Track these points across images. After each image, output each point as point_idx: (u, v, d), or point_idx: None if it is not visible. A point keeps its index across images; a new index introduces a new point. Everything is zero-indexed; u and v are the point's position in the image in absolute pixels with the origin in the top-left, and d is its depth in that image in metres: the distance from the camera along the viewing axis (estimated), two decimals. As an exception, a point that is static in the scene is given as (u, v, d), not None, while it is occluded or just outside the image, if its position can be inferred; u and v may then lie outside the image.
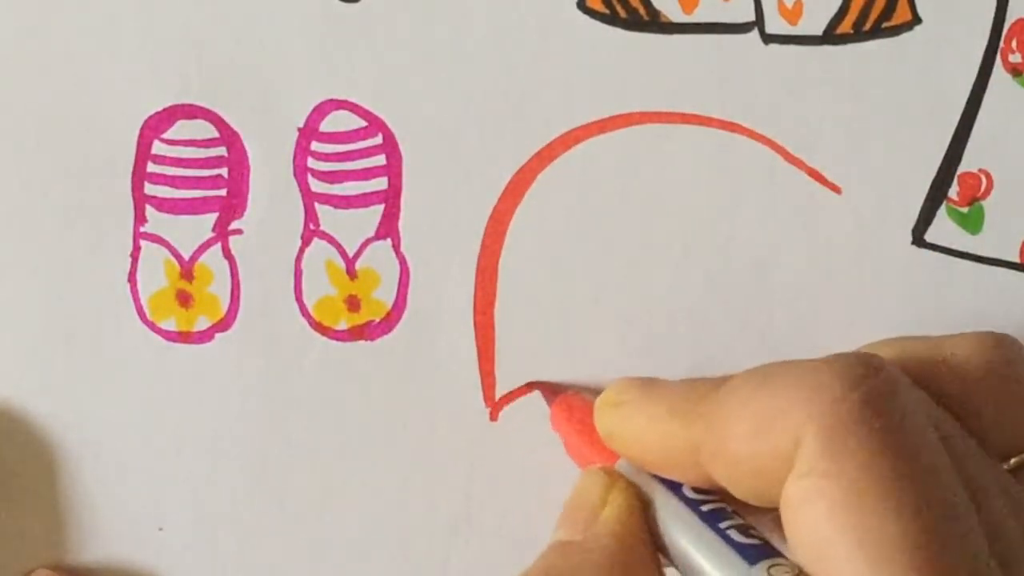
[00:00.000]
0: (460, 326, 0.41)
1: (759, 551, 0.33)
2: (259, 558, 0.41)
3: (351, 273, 0.41)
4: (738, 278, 0.41)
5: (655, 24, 0.41)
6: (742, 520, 0.35)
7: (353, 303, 0.41)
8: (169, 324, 0.41)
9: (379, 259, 0.41)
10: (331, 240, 0.41)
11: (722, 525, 0.34)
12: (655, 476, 0.36)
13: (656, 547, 0.36)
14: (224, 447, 0.41)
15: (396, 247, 0.41)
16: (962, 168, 0.41)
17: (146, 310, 0.41)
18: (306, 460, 0.41)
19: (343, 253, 0.41)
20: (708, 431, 0.34)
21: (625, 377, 0.38)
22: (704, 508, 0.35)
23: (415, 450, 0.41)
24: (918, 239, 0.41)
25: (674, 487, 0.36)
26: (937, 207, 0.41)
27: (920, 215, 0.41)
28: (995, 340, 0.36)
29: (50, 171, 0.40)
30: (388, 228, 0.41)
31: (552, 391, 0.41)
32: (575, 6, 0.41)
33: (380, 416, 0.41)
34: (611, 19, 0.41)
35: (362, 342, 0.41)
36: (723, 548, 0.34)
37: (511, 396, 0.41)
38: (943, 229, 0.41)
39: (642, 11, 0.41)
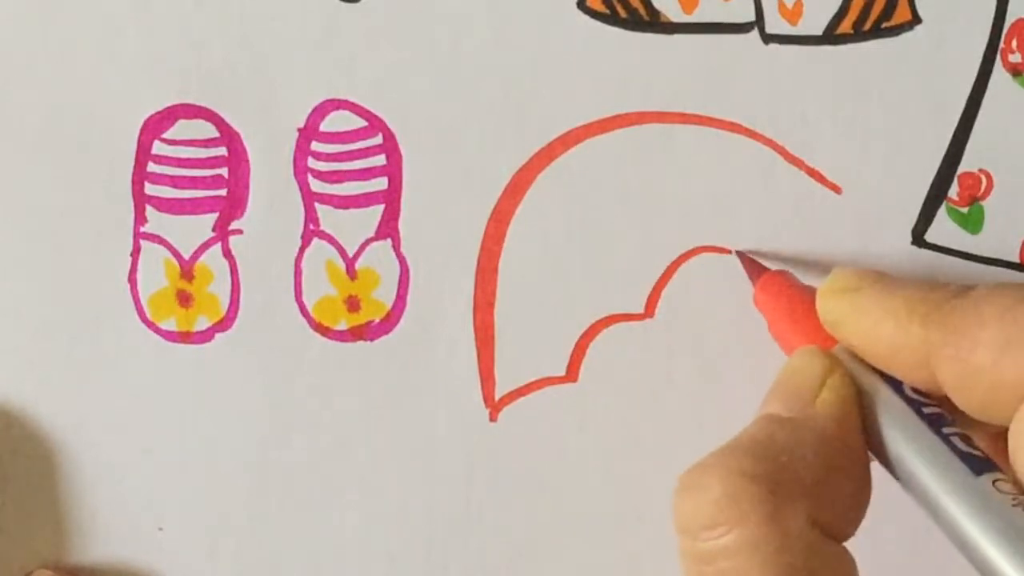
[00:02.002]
0: (460, 326, 0.41)
1: (983, 463, 0.32)
2: (259, 558, 0.41)
3: (351, 273, 0.41)
4: (738, 278, 0.41)
5: (655, 24, 0.41)
6: (962, 430, 0.34)
7: (353, 303, 0.41)
8: (169, 324, 0.41)
9: (379, 259, 0.41)
10: (331, 240, 0.41)
11: (945, 430, 0.33)
12: (875, 370, 0.35)
13: (868, 444, 0.35)
14: (224, 447, 0.41)
15: (396, 247, 0.41)
16: (962, 168, 0.41)
17: (146, 310, 0.41)
18: (306, 460, 0.41)
19: (343, 253, 0.41)
20: (950, 336, 0.33)
21: (851, 267, 0.37)
22: (925, 410, 0.34)
23: (415, 450, 0.41)
24: (918, 239, 0.41)
25: (895, 384, 0.35)
26: (937, 207, 0.41)
27: (920, 215, 0.41)
28: None
29: (50, 171, 0.40)
30: (388, 228, 0.41)
31: (755, 266, 0.40)
32: (575, 6, 0.41)
33: (380, 416, 0.41)
34: (611, 19, 0.41)
35: (362, 342, 0.41)
36: (946, 454, 0.33)
37: (511, 396, 0.41)
38: (943, 229, 0.41)
39: (642, 11, 0.41)
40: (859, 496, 0.34)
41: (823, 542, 0.33)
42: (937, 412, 0.34)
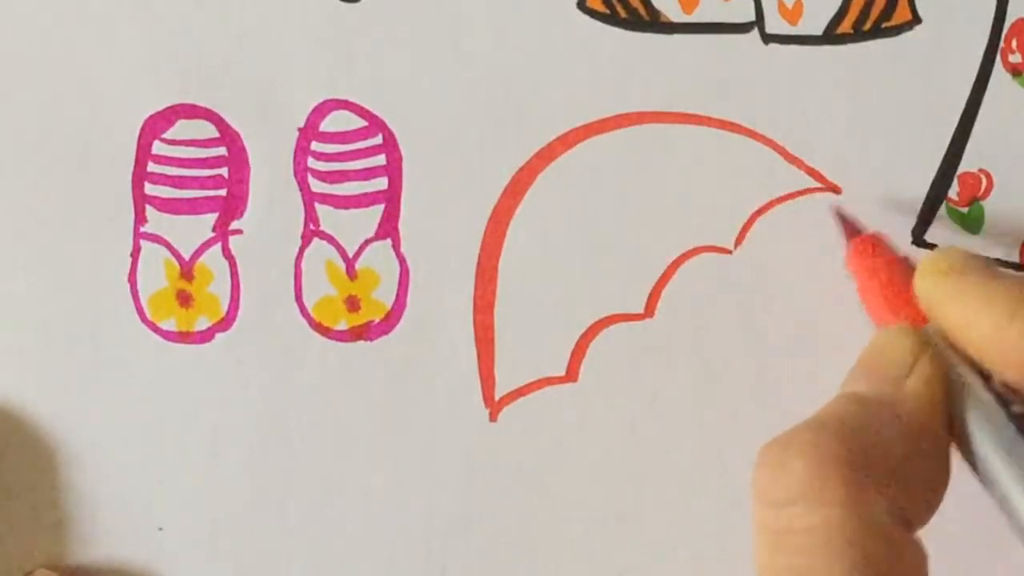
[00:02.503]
0: (460, 326, 0.41)
1: None
2: (259, 558, 0.41)
3: (351, 273, 0.41)
4: (738, 278, 0.41)
5: (655, 24, 0.41)
6: None
7: (353, 303, 0.41)
8: (169, 324, 0.41)
9: (379, 259, 0.41)
10: (331, 240, 0.41)
11: None
12: (967, 358, 0.34)
13: (950, 432, 0.34)
14: (224, 447, 0.41)
15: (396, 247, 0.41)
16: (962, 168, 0.41)
17: (146, 310, 0.41)
18: (306, 460, 0.41)
19: (343, 253, 0.41)
20: None
21: (953, 247, 0.36)
22: (1014, 408, 0.33)
23: (415, 450, 0.41)
24: (918, 239, 0.41)
25: (985, 376, 0.34)
26: (937, 207, 0.41)
27: (920, 215, 0.41)
28: None
29: (50, 171, 0.40)
30: (388, 228, 0.41)
31: (851, 226, 0.39)
32: (575, 6, 0.41)
33: (380, 416, 0.41)
34: (611, 19, 0.41)
35: (362, 342, 0.41)
36: None
37: (511, 396, 0.41)
38: (943, 229, 0.41)
39: (642, 11, 0.41)
40: (938, 485, 0.33)
41: (899, 532, 0.32)
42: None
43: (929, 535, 0.33)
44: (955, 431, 0.34)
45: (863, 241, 0.39)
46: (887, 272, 0.37)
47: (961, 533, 0.40)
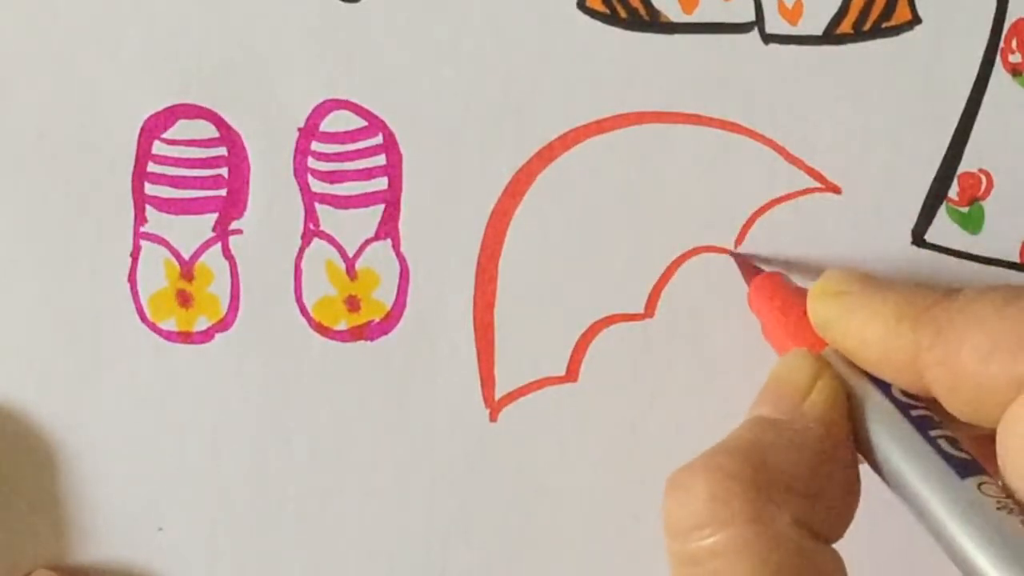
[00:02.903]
0: (460, 326, 0.41)
1: (969, 466, 0.32)
2: (259, 558, 0.41)
3: (351, 273, 0.41)
4: (738, 278, 0.41)
5: (655, 24, 0.41)
6: (949, 432, 0.34)
7: (353, 303, 0.41)
8: (169, 324, 0.41)
9: (379, 259, 0.41)
10: (331, 240, 0.41)
11: (932, 433, 0.33)
12: (864, 373, 0.35)
13: (856, 446, 0.35)
14: (224, 447, 0.41)
15: (396, 247, 0.41)
16: (962, 168, 0.41)
17: (146, 310, 0.41)
18: (306, 460, 0.41)
19: (343, 253, 0.41)
20: (938, 338, 0.33)
21: (841, 269, 0.37)
22: (913, 413, 0.34)
23: (415, 450, 0.41)
24: (918, 239, 0.41)
25: (883, 387, 0.35)
26: (937, 207, 0.41)
27: (920, 215, 0.41)
28: None
29: (50, 171, 0.40)
30: (388, 228, 0.41)
31: (750, 268, 0.40)
32: (575, 6, 0.41)
33: (380, 416, 0.41)
34: (611, 19, 0.41)
35: (362, 342, 0.41)
36: (932, 457, 0.33)
37: (511, 396, 0.41)
38: (943, 229, 0.41)
39: (642, 11, 0.41)
40: (848, 498, 0.34)
41: (811, 543, 0.32)
42: (925, 415, 0.34)
43: (848, 544, 0.34)
44: (861, 444, 0.34)
45: (761, 280, 0.39)
46: (785, 306, 0.38)
47: (879, 540, 0.40)
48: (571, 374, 0.41)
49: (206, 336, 0.41)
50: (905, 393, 0.35)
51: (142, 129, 0.40)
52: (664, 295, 0.41)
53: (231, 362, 0.41)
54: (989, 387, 0.32)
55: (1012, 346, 0.32)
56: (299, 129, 0.41)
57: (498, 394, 0.41)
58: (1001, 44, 0.41)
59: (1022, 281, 0.42)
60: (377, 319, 0.41)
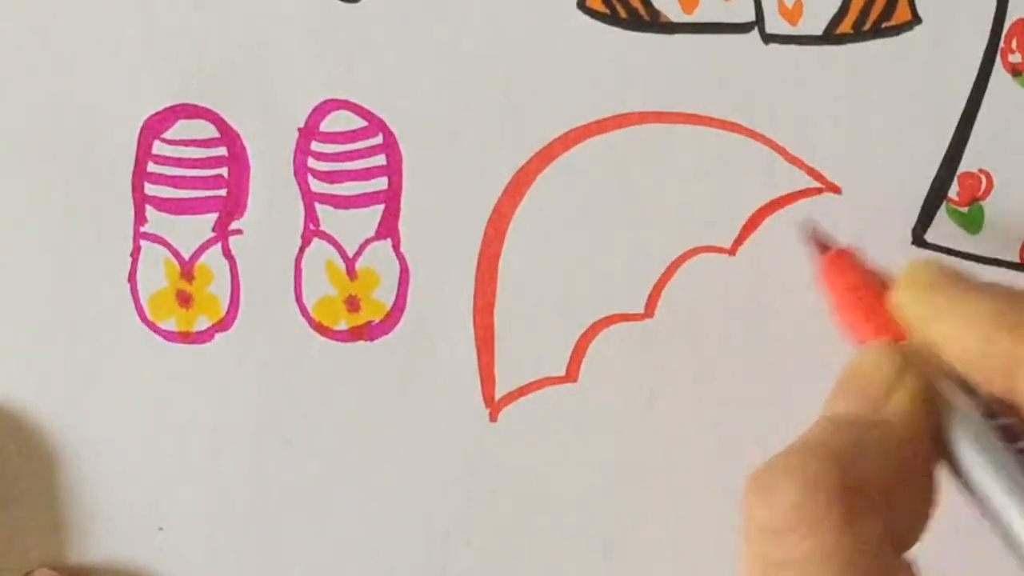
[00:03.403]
0: (460, 326, 0.41)
1: None
2: (259, 558, 0.41)
3: (351, 273, 0.41)
4: (738, 278, 0.41)
5: (655, 24, 0.41)
6: None
7: (353, 303, 0.41)
8: (169, 324, 0.41)
9: (379, 259, 0.41)
10: (331, 240, 0.41)
11: (1020, 445, 0.32)
12: (951, 372, 0.34)
13: (937, 448, 0.33)
14: (224, 447, 0.41)
15: (396, 247, 0.41)
16: (962, 168, 0.41)
17: (146, 310, 0.41)
18: (305, 460, 0.41)
19: (343, 253, 0.41)
20: None
21: (927, 259, 0.36)
22: (1001, 421, 0.33)
23: (415, 450, 0.41)
24: (918, 239, 0.41)
25: (970, 391, 0.33)
26: (937, 207, 0.41)
27: (920, 215, 0.41)
28: None
29: (50, 171, 0.40)
30: (388, 228, 0.41)
31: (821, 242, 0.39)
32: (575, 6, 0.41)
33: (380, 416, 0.41)
34: (611, 19, 0.41)
35: (362, 342, 0.41)
36: (1018, 469, 0.32)
37: (511, 396, 0.41)
38: (943, 229, 0.41)
39: (642, 11, 0.41)
40: (928, 504, 0.33)
41: (893, 552, 0.31)
42: (1011, 423, 0.33)
43: (921, 554, 0.33)
44: (942, 448, 0.33)
45: (837, 255, 0.38)
46: (863, 287, 0.37)
47: (953, 552, 0.39)
48: (571, 374, 0.41)
49: (206, 336, 0.41)
50: (991, 397, 0.33)
51: (142, 129, 0.41)
52: (664, 295, 0.41)
53: (231, 362, 0.41)
54: None
55: None
56: (299, 129, 0.41)
57: (498, 394, 0.41)
58: (1001, 44, 0.41)
59: (1021, 280, 0.42)
60: (377, 319, 0.41)
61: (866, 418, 0.33)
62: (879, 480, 0.32)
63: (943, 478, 0.33)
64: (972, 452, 0.33)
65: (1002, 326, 0.33)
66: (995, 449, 0.32)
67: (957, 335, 0.33)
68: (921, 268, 0.35)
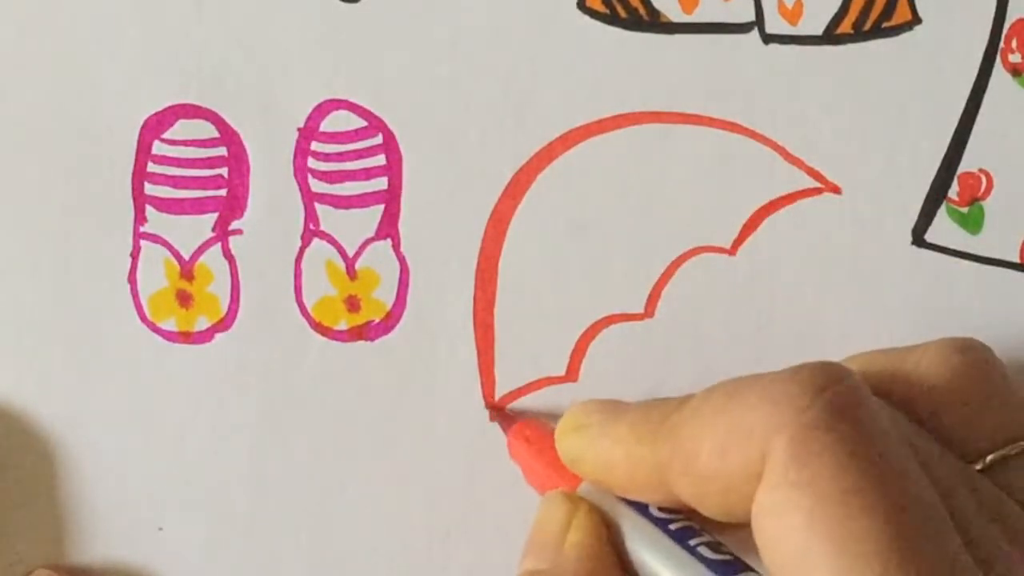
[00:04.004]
0: (460, 326, 0.41)
1: (731, 567, 0.33)
2: (259, 558, 0.41)
3: (351, 273, 0.41)
4: (738, 278, 0.41)
5: (655, 24, 0.41)
6: (711, 537, 0.34)
7: (353, 303, 0.41)
8: (169, 324, 0.41)
9: (379, 259, 0.41)
10: (331, 240, 0.41)
11: (692, 542, 0.34)
12: (621, 498, 0.36)
13: (624, 571, 0.35)
14: (224, 447, 0.41)
15: (396, 247, 0.41)
16: (962, 168, 0.41)
17: (146, 310, 0.41)
18: (305, 460, 0.41)
19: (343, 253, 0.41)
20: (674, 451, 0.33)
21: (584, 401, 0.38)
22: (672, 527, 0.35)
23: (414, 450, 0.41)
24: (918, 239, 0.41)
25: (640, 508, 0.35)
26: (937, 207, 0.41)
27: (920, 215, 0.41)
28: (959, 345, 0.36)
29: (50, 171, 0.40)
30: (388, 228, 0.41)
31: (508, 420, 0.41)
32: (575, 6, 0.41)
33: (380, 416, 0.41)
34: (611, 19, 0.41)
35: (362, 342, 0.41)
36: (695, 565, 0.33)
37: (511, 396, 0.41)
38: (943, 229, 0.41)
39: (642, 11, 0.41)
40: None
41: None
42: (686, 526, 0.35)
43: None
44: (630, 569, 0.35)
45: (518, 428, 0.40)
46: (546, 451, 0.39)
47: None
48: (571, 374, 0.41)
49: (206, 336, 0.41)
50: (663, 509, 0.35)
51: (142, 129, 0.40)
52: (664, 295, 0.41)
53: (231, 362, 0.41)
54: (731, 484, 0.32)
55: (741, 437, 0.32)
56: (299, 129, 0.41)
57: (498, 394, 0.41)
58: (1001, 44, 0.41)
59: (1021, 280, 0.42)
60: (377, 319, 0.41)
61: (547, 568, 0.35)
62: None
63: None
64: (651, 563, 0.34)
65: (640, 440, 0.35)
66: (669, 553, 0.34)
67: (608, 462, 0.35)
68: (572, 411, 0.37)
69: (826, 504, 0.30)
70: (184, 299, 0.41)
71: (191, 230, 0.41)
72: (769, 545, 0.31)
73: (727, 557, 0.34)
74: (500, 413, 0.41)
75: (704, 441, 0.33)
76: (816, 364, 0.33)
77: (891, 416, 0.33)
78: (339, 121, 0.41)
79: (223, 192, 0.41)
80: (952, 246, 0.41)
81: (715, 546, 0.34)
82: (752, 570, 0.33)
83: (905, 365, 0.35)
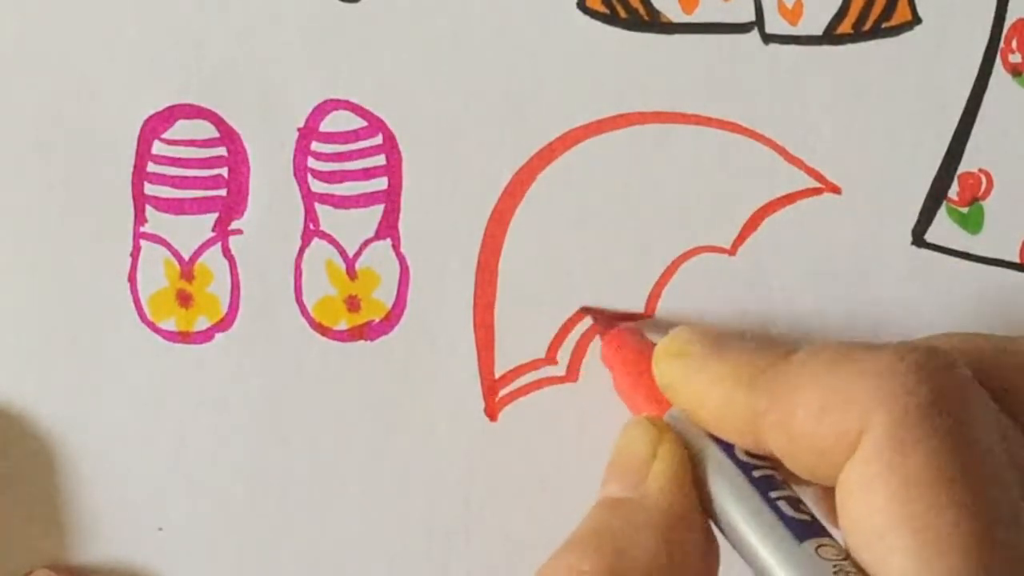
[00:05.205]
0: (460, 326, 0.41)
1: (808, 528, 0.33)
2: (259, 558, 0.41)
3: (351, 273, 0.41)
4: (738, 278, 0.41)
5: (655, 24, 0.41)
6: (792, 492, 0.34)
7: (353, 303, 0.41)
8: (169, 324, 0.41)
9: (379, 259, 0.41)
10: (331, 240, 0.41)
11: (772, 495, 0.33)
12: (708, 434, 0.35)
13: (702, 506, 0.35)
14: (224, 447, 0.41)
15: (396, 247, 0.41)
16: (962, 168, 0.41)
17: (146, 310, 0.41)
18: (305, 460, 0.41)
19: (343, 253, 0.41)
20: (772, 402, 0.33)
21: (687, 327, 0.37)
22: (756, 473, 0.34)
23: (414, 451, 0.41)
24: (918, 239, 0.41)
25: (727, 448, 0.35)
26: (937, 207, 0.41)
27: (920, 215, 0.41)
28: None
29: (50, 171, 0.40)
30: (388, 228, 0.41)
31: (605, 323, 0.40)
32: (575, 6, 0.41)
33: (380, 416, 0.41)
34: (611, 19, 0.41)
35: (362, 342, 0.41)
36: (771, 519, 0.33)
37: (511, 396, 0.41)
38: (943, 229, 0.41)
39: (642, 11, 0.41)
40: (705, 565, 0.35)
41: None
42: (768, 475, 0.34)
43: None
44: (708, 507, 0.35)
45: (614, 335, 0.40)
46: (639, 363, 0.38)
47: None
48: (571, 374, 0.41)
49: (206, 336, 0.41)
50: (749, 454, 0.35)
51: (142, 129, 0.40)
52: (664, 295, 0.41)
53: (231, 362, 0.41)
54: (824, 447, 0.32)
55: (844, 403, 0.32)
56: (299, 129, 0.41)
57: (498, 394, 0.41)
58: (1001, 44, 0.41)
59: (1021, 280, 0.42)
60: (377, 319, 0.41)
61: (630, 496, 0.35)
62: (646, 557, 0.33)
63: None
64: (731, 507, 0.34)
65: (740, 383, 0.34)
66: (749, 502, 0.34)
67: (704, 397, 0.35)
68: (675, 335, 0.37)
69: (916, 490, 0.30)
70: (184, 299, 0.41)
71: (191, 230, 0.41)
72: (851, 517, 0.31)
73: (806, 517, 0.33)
74: (596, 314, 0.40)
75: (803, 399, 0.32)
76: (928, 347, 0.32)
77: (992, 412, 0.33)
78: (339, 121, 0.41)
79: (223, 192, 0.41)
80: (952, 246, 0.41)
81: (795, 503, 0.33)
82: (827, 534, 0.33)
83: (1008, 355, 0.35)
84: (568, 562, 0.33)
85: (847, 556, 0.32)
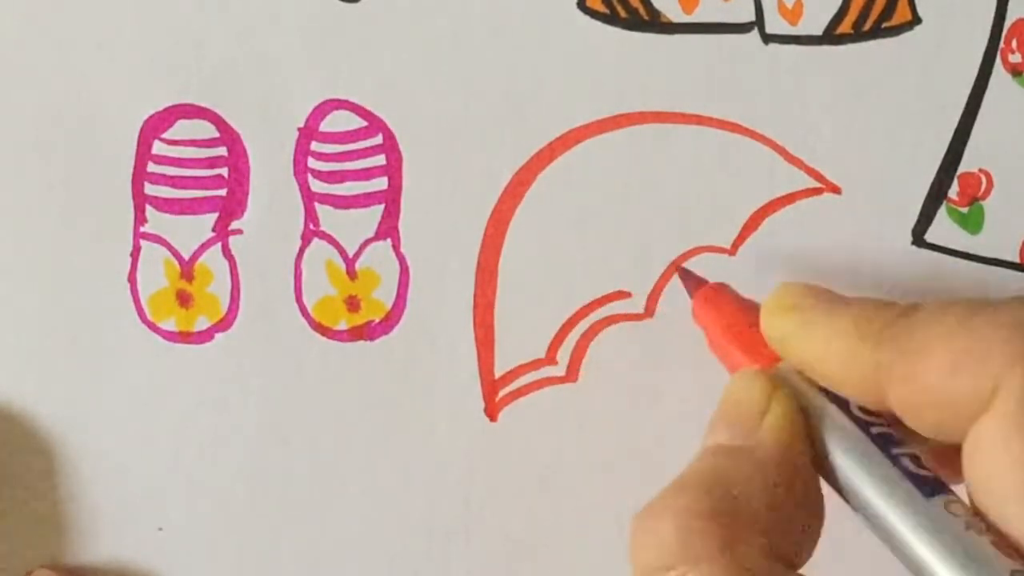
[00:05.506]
0: (460, 326, 0.41)
1: (935, 484, 0.32)
2: (259, 558, 0.41)
3: (351, 273, 0.41)
4: (739, 278, 0.41)
5: (655, 24, 0.41)
6: (912, 449, 0.33)
7: (353, 303, 0.41)
8: (169, 324, 0.41)
9: (379, 259, 0.41)
10: (331, 240, 0.41)
11: (894, 451, 0.33)
12: (822, 389, 0.35)
13: (815, 464, 0.34)
14: (224, 447, 0.41)
15: (396, 247, 0.41)
16: (962, 168, 0.41)
17: (146, 310, 0.41)
18: (305, 460, 0.41)
19: (343, 253, 0.41)
20: (899, 356, 0.32)
21: (795, 282, 0.37)
22: (874, 430, 0.33)
23: (414, 450, 0.41)
24: (918, 239, 0.41)
25: (842, 403, 0.34)
26: (937, 207, 0.41)
27: (920, 215, 0.41)
28: None
29: (50, 171, 0.40)
30: (388, 228, 0.41)
31: (694, 280, 0.40)
32: (575, 6, 0.41)
33: (380, 416, 0.41)
34: (611, 19, 0.41)
35: (362, 342, 0.41)
36: (896, 476, 0.32)
37: (511, 396, 0.41)
38: (943, 229, 0.41)
39: (642, 11, 0.41)
40: (812, 520, 0.34)
41: (780, 570, 0.32)
42: (885, 432, 0.33)
43: (813, 567, 0.33)
44: (820, 464, 0.34)
45: (706, 292, 0.39)
46: (734, 318, 0.38)
47: (844, 562, 0.39)
48: (571, 374, 0.41)
49: (206, 336, 0.41)
50: (863, 410, 0.34)
51: (142, 129, 0.41)
52: (664, 295, 0.41)
53: (231, 362, 0.41)
54: (955, 402, 0.31)
55: (978, 359, 0.31)
56: (299, 129, 0.41)
57: (498, 394, 0.41)
58: (1001, 44, 0.41)
59: (1021, 280, 0.42)
60: (377, 319, 0.41)
61: (740, 444, 0.34)
62: (758, 504, 0.32)
63: (827, 493, 0.34)
64: (848, 463, 0.33)
65: (863, 337, 0.33)
66: (870, 458, 0.33)
67: (821, 352, 0.34)
68: (786, 291, 0.36)
69: None
70: (184, 299, 0.41)
71: (191, 230, 0.41)
72: (981, 474, 0.31)
73: (929, 474, 0.32)
74: (684, 273, 0.40)
75: (934, 354, 0.32)
76: None
77: None
78: (339, 121, 0.41)
79: (223, 192, 0.41)
80: (952, 246, 0.41)
81: (916, 459, 0.33)
82: (954, 494, 0.32)
83: None
84: (680, 503, 0.32)
85: (976, 513, 0.31)
